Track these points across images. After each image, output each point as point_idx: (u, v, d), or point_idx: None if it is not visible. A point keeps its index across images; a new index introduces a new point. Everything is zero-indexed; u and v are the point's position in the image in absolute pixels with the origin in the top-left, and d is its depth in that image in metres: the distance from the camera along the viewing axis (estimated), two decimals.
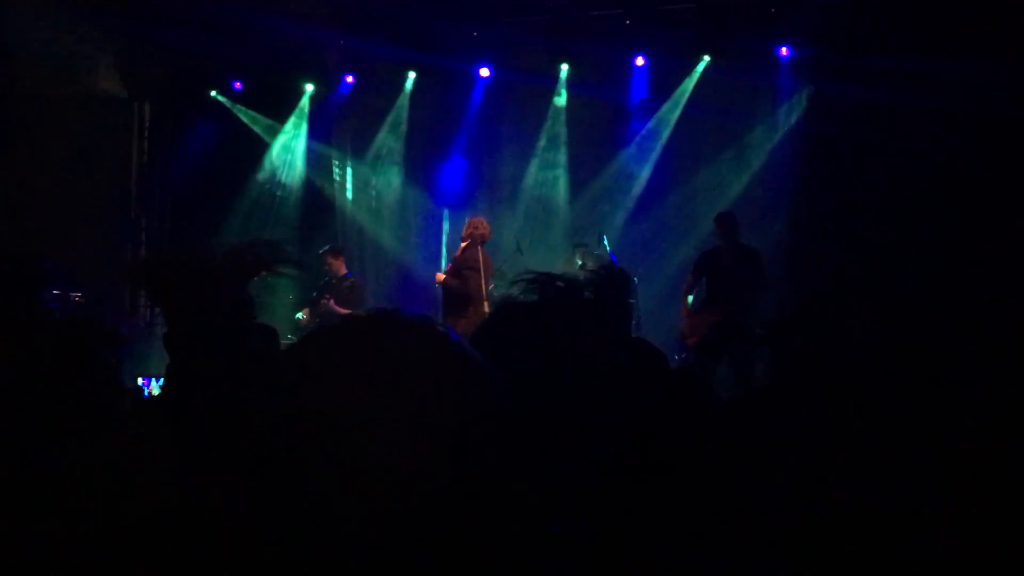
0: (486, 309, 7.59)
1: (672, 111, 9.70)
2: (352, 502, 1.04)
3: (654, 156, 9.77)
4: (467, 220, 8.56)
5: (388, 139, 10.53)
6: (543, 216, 10.09)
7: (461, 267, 8.09)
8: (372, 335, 1.11)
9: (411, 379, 1.06)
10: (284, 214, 10.52)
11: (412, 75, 10.25)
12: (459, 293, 7.98)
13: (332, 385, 1.06)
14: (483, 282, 7.93)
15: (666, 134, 9.73)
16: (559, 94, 10.04)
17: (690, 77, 9.56)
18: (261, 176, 10.59)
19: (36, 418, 1.48)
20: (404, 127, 10.47)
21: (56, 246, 8.35)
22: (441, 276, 8.33)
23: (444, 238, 10.22)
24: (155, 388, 6.77)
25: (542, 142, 10.17)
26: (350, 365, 1.07)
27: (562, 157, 10.10)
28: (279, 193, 10.60)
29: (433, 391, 1.06)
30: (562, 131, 10.10)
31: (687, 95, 9.60)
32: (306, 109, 10.63)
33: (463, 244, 8.29)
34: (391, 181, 10.56)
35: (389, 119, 10.48)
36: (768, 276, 7.73)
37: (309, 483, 1.05)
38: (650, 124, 9.84)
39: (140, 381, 5.93)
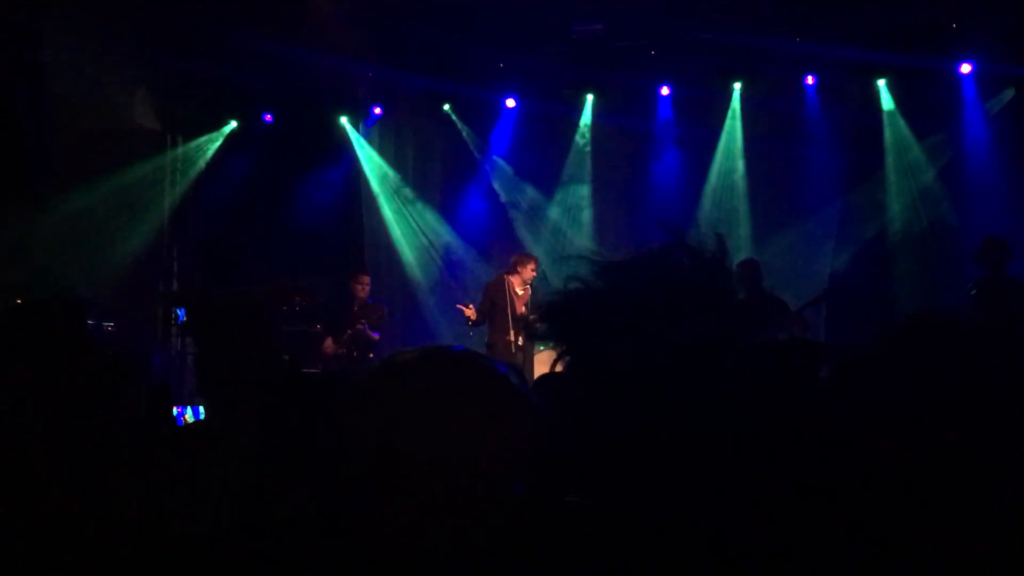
0: None
1: (728, 141, 9.75)
2: (407, 527, 1.08)
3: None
4: (523, 260, 8.56)
5: (417, 168, 10.64)
6: (567, 245, 10.09)
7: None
8: (430, 372, 1.14)
9: (465, 411, 1.09)
10: (316, 245, 10.56)
11: (447, 107, 10.31)
12: None
13: (391, 418, 1.09)
14: None
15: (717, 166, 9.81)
16: (583, 123, 10.09)
17: (732, 106, 9.67)
18: (292, 208, 10.65)
19: (78, 440, 1.52)
20: (435, 157, 10.60)
21: (92, 277, 8.49)
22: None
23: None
24: (189, 416, 6.84)
25: (567, 171, 10.22)
26: (409, 401, 1.10)
27: (586, 188, 10.15)
28: (311, 224, 10.65)
29: (484, 423, 1.09)
30: (587, 160, 10.15)
31: (737, 123, 9.68)
32: (341, 139, 10.71)
33: (532, 284, 8.35)
34: (419, 210, 10.64)
35: (421, 149, 10.60)
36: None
37: (364, 509, 1.09)
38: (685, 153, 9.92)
39: (175, 410, 5.98)
